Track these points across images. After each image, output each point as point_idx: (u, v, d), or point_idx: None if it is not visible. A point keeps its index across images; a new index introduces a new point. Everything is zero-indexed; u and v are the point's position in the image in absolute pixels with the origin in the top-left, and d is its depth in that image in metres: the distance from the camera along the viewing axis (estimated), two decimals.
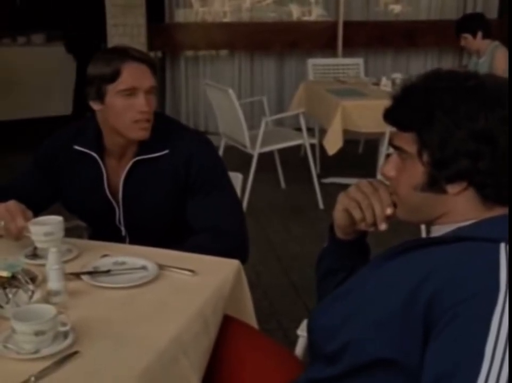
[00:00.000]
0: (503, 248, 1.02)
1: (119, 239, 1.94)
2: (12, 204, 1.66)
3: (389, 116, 1.16)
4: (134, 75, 1.75)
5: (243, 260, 1.71)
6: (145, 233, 1.91)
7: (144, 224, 1.92)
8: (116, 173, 1.89)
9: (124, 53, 1.77)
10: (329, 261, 1.39)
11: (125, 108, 1.76)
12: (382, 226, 1.21)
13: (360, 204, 1.22)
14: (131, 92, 1.75)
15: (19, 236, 1.65)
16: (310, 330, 1.30)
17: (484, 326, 0.94)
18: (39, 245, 1.58)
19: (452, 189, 1.10)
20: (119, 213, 1.92)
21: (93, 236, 2.03)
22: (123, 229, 1.95)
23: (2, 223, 1.65)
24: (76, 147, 1.90)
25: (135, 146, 1.86)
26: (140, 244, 1.76)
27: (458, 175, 1.09)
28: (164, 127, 1.90)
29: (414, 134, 1.11)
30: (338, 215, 1.30)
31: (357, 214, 1.23)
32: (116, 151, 1.88)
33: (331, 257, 1.39)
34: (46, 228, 1.54)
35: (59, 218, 1.57)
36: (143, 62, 1.77)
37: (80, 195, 1.94)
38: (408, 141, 1.12)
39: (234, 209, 1.90)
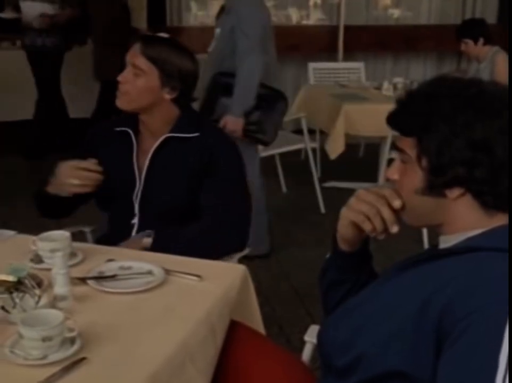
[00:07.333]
0: None
1: (129, 216, 1.99)
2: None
3: (392, 120, 1.17)
4: (131, 50, 1.98)
5: (240, 247, 1.95)
6: (155, 215, 1.96)
7: (158, 204, 1.97)
8: (147, 148, 1.99)
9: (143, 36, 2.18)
10: (333, 273, 1.37)
11: None
12: (394, 229, 1.19)
13: (367, 214, 1.20)
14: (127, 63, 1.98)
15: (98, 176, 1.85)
16: (320, 344, 1.28)
17: (497, 335, 0.93)
18: None
19: (450, 193, 1.11)
20: (138, 187, 1.98)
21: (104, 209, 2.11)
22: (137, 205, 1.99)
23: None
24: (116, 129, 2.04)
25: (169, 125, 1.99)
26: (146, 224, 1.93)
27: (454, 182, 1.09)
28: (196, 116, 2.09)
29: (415, 139, 1.12)
30: (344, 230, 1.28)
31: (367, 226, 1.20)
32: (147, 128, 2.00)
33: (335, 270, 1.36)
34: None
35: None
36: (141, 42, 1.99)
37: (109, 166, 1.95)
38: (409, 145, 1.14)
39: (243, 200, 2.02)
